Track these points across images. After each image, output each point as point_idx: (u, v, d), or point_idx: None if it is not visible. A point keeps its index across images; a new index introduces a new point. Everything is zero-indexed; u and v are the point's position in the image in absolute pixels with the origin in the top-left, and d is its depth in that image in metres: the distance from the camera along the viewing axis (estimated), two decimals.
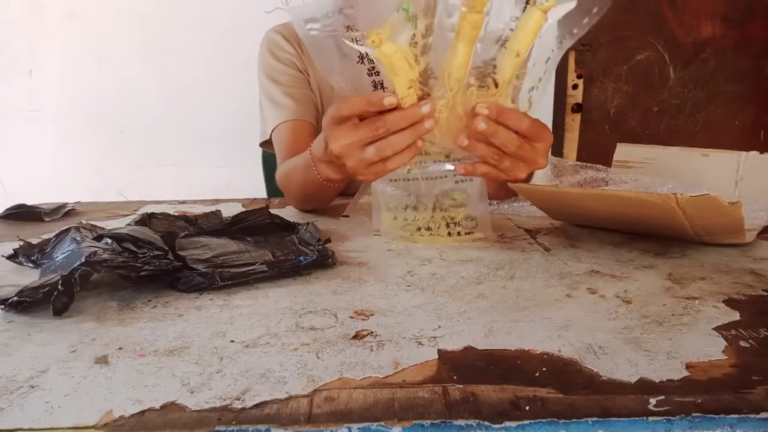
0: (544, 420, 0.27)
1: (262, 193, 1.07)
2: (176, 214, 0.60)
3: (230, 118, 1.75)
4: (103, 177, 1.81)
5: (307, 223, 0.59)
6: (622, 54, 1.95)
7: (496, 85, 0.52)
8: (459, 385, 0.30)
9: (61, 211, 0.78)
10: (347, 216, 0.71)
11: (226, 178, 1.75)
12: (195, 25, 1.70)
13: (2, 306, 0.42)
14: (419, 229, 0.61)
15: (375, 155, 0.52)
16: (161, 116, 1.79)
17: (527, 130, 0.52)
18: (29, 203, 0.79)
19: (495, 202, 0.80)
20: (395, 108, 0.51)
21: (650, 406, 0.28)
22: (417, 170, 0.58)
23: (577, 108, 1.98)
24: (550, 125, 2.03)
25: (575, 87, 1.97)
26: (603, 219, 0.63)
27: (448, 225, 0.61)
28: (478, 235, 0.61)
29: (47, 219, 0.75)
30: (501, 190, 0.79)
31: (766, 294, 0.44)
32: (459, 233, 0.61)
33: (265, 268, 0.48)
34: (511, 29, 0.50)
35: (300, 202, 0.80)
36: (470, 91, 0.52)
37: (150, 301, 0.44)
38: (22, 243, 0.55)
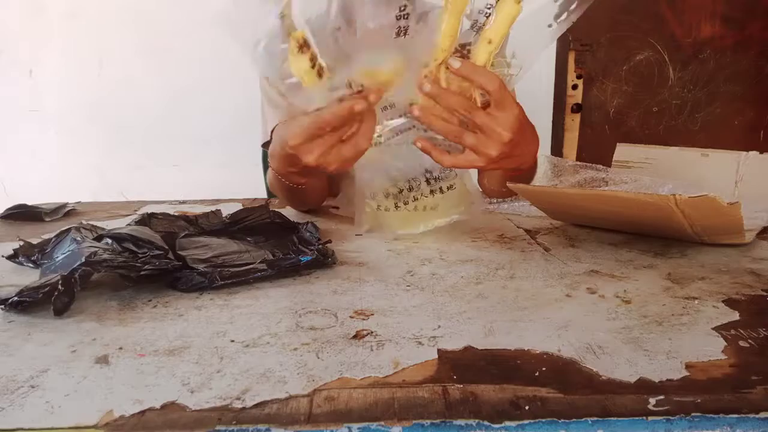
0: (543, 420, 0.27)
1: (262, 193, 1.07)
2: (176, 214, 0.60)
3: (230, 118, 1.75)
4: (103, 177, 1.81)
5: (307, 223, 0.59)
6: (622, 54, 1.95)
7: None
8: (459, 385, 0.30)
9: (62, 211, 0.78)
10: (360, 234, 0.67)
11: (226, 178, 1.75)
12: (195, 25, 1.69)
13: (2, 306, 0.42)
14: (401, 192, 0.61)
15: (348, 149, 0.52)
16: (162, 116, 1.79)
17: (495, 92, 0.51)
18: (29, 203, 0.79)
19: (495, 202, 0.80)
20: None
21: (650, 406, 0.28)
22: (383, 135, 0.57)
23: (577, 108, 1.98)
24: (549, 125, 2.02)
25: (575, 87, 1.97)
26: (602, 219, 0.63)
27: (428, 181, 0.61)
28: (462, 196, 0.61)
29: (47, 219, 0.75)
30: (503, 188, 0.79)
31: (765, 294, 0.44)
32: (441, 189, 0.61)
33: (265, 268, 0.48)
34: (486, 16, 0.51)
35: (291, 205, 0.80)
36: (443, 71, 0.53)
37: (150, 301, 0.44)
38: (22, 243, 0.55)
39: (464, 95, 0.53)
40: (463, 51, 0.53)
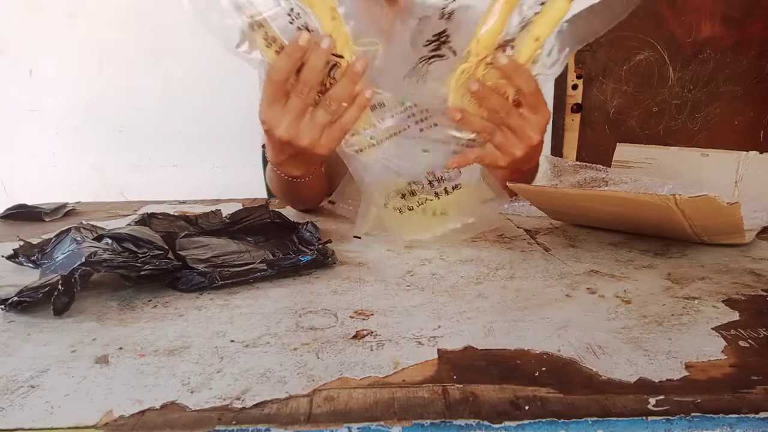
0: (543, 420, 0.27)
1: (262, 193, 1.07)
2: (176, 214, 0.60)
3: (230, 118, 1.75)
4: (103, 177, 1.81)
5: (307, 223, 0.59)
6: (622, 54, 1.95)
7: None
8: (459, 385, 0.30)
9: (62, 211, 0.78)
10: (359, 237, 0.66)
11: (226, 178, 1.75)
12: (195, 25, 1.69)
13: (2, 306, 0.42)
14: (413, 194, 0.58)
15: (321, 116, 0.49)
16: (162, 116, 1.79)
17: (530, 95, 0.50)
18: (29, 203, 0.79)
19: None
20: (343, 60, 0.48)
21: (650, 406, 0.28)
22: (372, 130, 0.54)
23: (577, 108, 1.98)
24: (549, 125, 2.02)
25: (575, 87, 1.97)
26: (602, 220, 0.63)
27: (431, 183, 0.58)
28: (473, 198, 0.58)
29: (47, 219, 0.75)
30: (502, 188, 0.79)
31: (765, 294, 0.44)
32: (446, 190, 0.58)
33: (265, 267, 0.48)
34: (535, 13, 0.49)
35: (290, 204, 0.79)
36: (486, 68, 0.50)
37: (150, 301, 0.44)
38: (22, 243, 0.55)
39: (499, 93, 0.52)
40: (506, 47, 0.50)
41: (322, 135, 0.51)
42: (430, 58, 0.53)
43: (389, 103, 0.54)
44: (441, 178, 0.59)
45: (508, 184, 0.61)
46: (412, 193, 0.58)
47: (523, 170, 0.62)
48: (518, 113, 0.52)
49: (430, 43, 0.52)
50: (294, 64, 0.48)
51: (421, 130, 0.55)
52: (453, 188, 0.59)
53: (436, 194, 0.59)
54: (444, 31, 0.52)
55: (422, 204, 0.59)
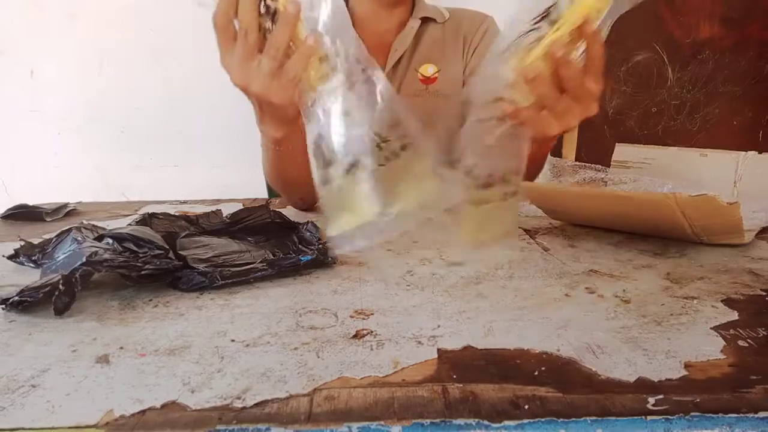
0: (543, 419, 0.27)
1: (262, 193, 1.07)
2: (177, 214, 0.60)
3: (231, 118, 1.75)
4: (104, 177, 1.81)
5: (307, 222, 0.59)
6: (620, 55, 1.95)
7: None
8: (458, 384, 0.30)
9: (63, 212, 0.78)
10: None
11: (227, 178, 1.75)
12: (196, 24, 1.69)
13: (3, 306, 0.42)
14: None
15: (266, 63, 0.49)
16: (162, 116, 1.79)
17: (599, 63, 0.50)
18: (31, 203, 0.79)
19: None
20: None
21: (649, 406, 0.28)
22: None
23: None
24: None
25: None
26: (602, 219, 0.63)
27: (379, 146, 0.50)
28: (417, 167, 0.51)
29: (48, 219, 0.75)
30: (530, 172, 0.78)
31: (764, 294, 0.44)
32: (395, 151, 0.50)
33: (266, 267, 0.48)
34: None
35: (284, 193, 0.78)
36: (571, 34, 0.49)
37: (151, 300, 0.44)
38: (23, 243, 0.55)
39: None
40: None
41: (272, 82, 0.50)
42: (528, 32, 0.52)
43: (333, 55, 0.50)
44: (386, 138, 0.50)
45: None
46: (379, 147, 0.51)
47: (545, 151, 0.61)
48: (584, 86, 0.52)
49: (537, 18, 0.52)
50: (232, 5, 0.49)
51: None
52: (401, 149, 0.50)
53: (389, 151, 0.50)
54: (549, 7, 0.52)
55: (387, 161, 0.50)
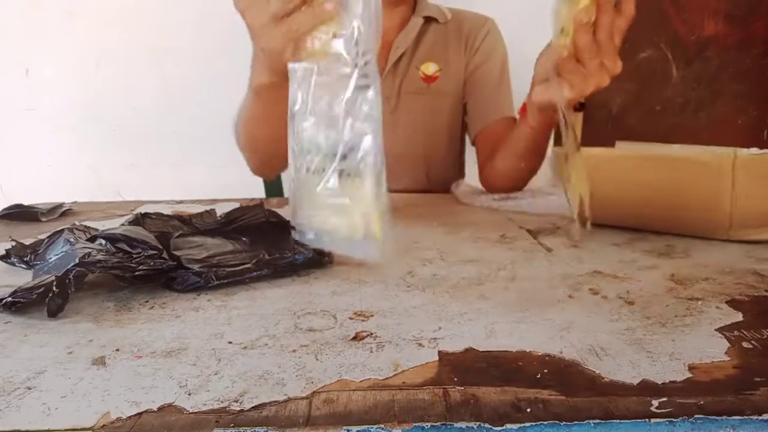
0: (545, 422, 0.27)
1: (260, 193, 1.07)
2: (171, 213, 0.60)
3: (228, 118, 1.74)
4: (99, 177, 1.80)
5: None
6: (625, 52, 1.94)
7: None
8: (460, 387, 0.30)
9: (58, 211, 0.78)
10: None
11: (223, 178, 1.74)
12: (193, 24, 1.69)
13: None
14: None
15: (275, 3, 0.46)
16: (159, 116, 1.79)
17: (630, 18, 0.53)
18: (26, 203, 0.79)
19: (499, 198, 0.79)
20: None
21: (652, 408, 0.28)
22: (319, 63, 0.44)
23: (580, 107, 1.98)
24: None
25: None
26: (628, 204, 0.62)
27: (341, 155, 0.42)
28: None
29: (44, 219, 0.75)
30: (534, 158, 0.79)
31: None
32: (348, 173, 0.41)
33: (261, 267, 0.47)
34: None
35: (249, 152, 0.76)
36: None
37: (147, 302, 0.44)
38: (14, 243, 0.54)
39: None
40: None
41: (271, 25, 0.48)
42: None
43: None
44: (351, 148, 0.42)
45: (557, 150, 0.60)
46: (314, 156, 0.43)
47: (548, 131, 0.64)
48: (612, 42, 0.53)
49: None
50: None
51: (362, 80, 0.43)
52: (349, 174, 0.42)
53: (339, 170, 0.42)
54: None
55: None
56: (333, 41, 0.46)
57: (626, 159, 0.61)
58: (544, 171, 0.82)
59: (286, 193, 1.07)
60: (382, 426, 0.27)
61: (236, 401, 0.29)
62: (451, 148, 1.02)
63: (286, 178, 0.65)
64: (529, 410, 0.28)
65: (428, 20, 0.97)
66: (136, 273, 0.44)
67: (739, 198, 0.52)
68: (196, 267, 0.46)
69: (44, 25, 1.75)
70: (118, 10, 1.73)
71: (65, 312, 0.41)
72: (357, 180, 0.42)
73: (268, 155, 0.76)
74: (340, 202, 0.43)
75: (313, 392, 0.30)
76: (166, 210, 0.69)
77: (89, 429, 0.27)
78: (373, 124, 0.42)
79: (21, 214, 0.76)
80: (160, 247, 0.47)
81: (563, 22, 0.54)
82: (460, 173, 1.06)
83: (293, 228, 0.44)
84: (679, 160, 0.54)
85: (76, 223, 0.57)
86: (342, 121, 0.44)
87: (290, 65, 0.46)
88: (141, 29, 1.75)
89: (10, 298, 0.41)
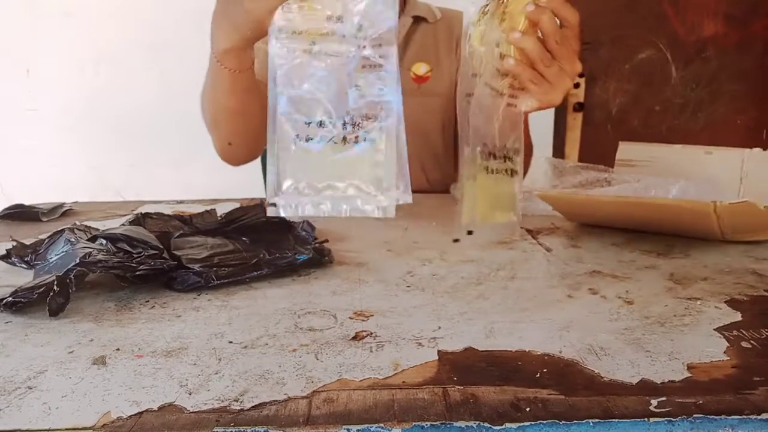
0: (544, 421, 0.27)
1: (260, 193, 1.07)
2: (171, 213, 0.60)
3: None
4: (100, 177, 1.81)
5: (303, 222, 0.58)
6: (624, 53, 1.94)
7: None
8: (459, 387, 0.30)
9: (59, 211, 0.78)
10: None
11: (224, 178, 1.74)
12: (194, 23, 1.69)
13: None
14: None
15: None
16: (160, 116, 1.79)
17: (573, 26, 0.50)
18: (27, 203, 0.79)
19: None
20: None
21: (651, 407, 0.28)
22: (319, 46, 0.43)
23: (579, 107, 1.98)
24: (551, 124, 2.02)
25: (577, 86, 1.96)
26: (625, 223, 0.63)
27: (344, 125, 0.43)
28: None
29: (45, 219, 0.75)
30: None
31: (767, 294, 0.44)
32: (356, 138, 0.43)
33: (261, 267, 0.47)
34: None
35: (213, 129, 0.72)
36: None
37: (148, 301, 0.44)
38: (15, 243, 0.54)
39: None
40: None
41: None
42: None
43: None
44: (356, 123, 0.44)
45: (538, 194, 0.60)
46: (321, 125, 0.44)
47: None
48: (566, 47, 0.50)
49: None
50: None
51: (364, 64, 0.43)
52: (358, 139, 0.43)
53: (344, 139, 0.43)
54: None
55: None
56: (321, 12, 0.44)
57: (609, 204, 0.62)
58: (545, 171, 0.82)
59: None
60: (382, 425, 0.27)
61: (236, 401, 0.29)
62: (446, 147, 1.01)
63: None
64: (528, 409, 0.28)
65: (418, 20, 0.96)
66: (137, 273, 0.44)
67: (728, 222, 0.54)
68: (196, 267, 0.46)
69: (43, 25, 1.75)
70: (116, 9, 1.73)
71: (66, 312, 0.41)
72: (379, 142, 0.43)
73: (232, 132, 0.72)
74: (353, 166, 0.43)
75: (313, 392, 0.30)
76: (167, 210, 0.69)
77: (90, 428, 0.27)
78: (392, 86, 0.43)
79: (22, 214, 0.76)
80: (161, 246, 0.47)
81: (501, 48, 0.50)
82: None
83: (272, 205, 0.42)
84: (664, 206, 0.56)
85: (77, 223, 0.57)
86: (352, 88, 0.43)
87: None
88: (139, 28, 1.75)
89: (10, 298, 0.41)
